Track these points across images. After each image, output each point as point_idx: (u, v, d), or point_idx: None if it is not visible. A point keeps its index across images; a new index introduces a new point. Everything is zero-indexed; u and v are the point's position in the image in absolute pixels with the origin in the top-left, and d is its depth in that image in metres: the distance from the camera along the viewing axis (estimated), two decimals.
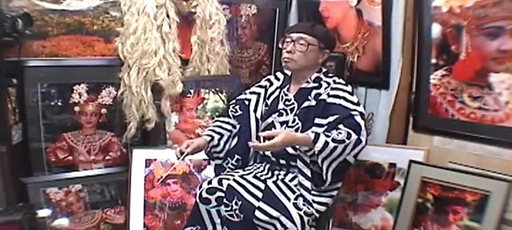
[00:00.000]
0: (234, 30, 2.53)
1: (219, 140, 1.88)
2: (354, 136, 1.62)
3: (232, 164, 1.91)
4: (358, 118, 1.69)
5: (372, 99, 2.25)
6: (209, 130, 1.90)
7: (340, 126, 1.65)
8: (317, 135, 1.59)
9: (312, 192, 1.70)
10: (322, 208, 1.71)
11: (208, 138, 1.86)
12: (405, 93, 2.12)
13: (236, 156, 1.90)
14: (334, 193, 1.75)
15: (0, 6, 1.92)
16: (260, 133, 1.67)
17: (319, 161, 1.61)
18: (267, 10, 2.60)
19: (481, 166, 1.80)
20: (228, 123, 1.93)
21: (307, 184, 1.71)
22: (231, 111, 1.97)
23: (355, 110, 1.71)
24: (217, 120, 1.96)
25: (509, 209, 1.67)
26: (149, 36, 2.10)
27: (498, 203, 1.67)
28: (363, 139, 1.66)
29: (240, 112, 1.95)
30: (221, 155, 1.91)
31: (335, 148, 1.59)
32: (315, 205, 1.69)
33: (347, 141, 1.60)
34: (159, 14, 2.12)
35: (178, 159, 1.75)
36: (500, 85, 1.72)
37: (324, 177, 1.64)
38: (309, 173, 1.70)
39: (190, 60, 2.28)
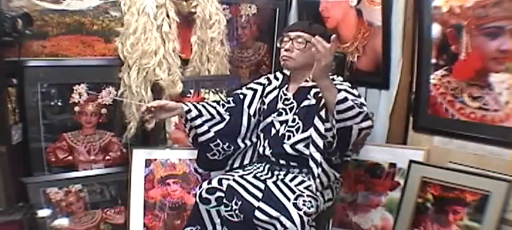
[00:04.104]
0: (234, 30, 2.53)
1: (198, 116, 1.86)
2: (365, 109, 1.57)
3: (222, 148, 1.89)
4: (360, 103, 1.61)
5: (372, 99, 2.25)
6: (191, 104, 1.90)
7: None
8: (339, 90, 1.54)
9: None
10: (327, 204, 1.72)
11: (186, 107, 1.85)
12: (405, 93, 2.12)
13: (227, 143, 1.89)
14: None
15: (0, 6, 1.92)
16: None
17: (335, 115, 1.54)
18: (267, 10, 2.60)
19: (481, 166, 1.80)
20: (214, 107, 1.92)
21: (312, 184, 1.69)
22: (223, 101, 1.96)
23: (357, 99, 1.64)
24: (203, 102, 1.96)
25: (509, 209, 1.68)
26: (149, 36, 2.10)
27: (498, 203, 1.67)
28: (371, 120, 1.60)
29: (233, 104, 1.94)
30: (201, 130, 1.87)
31: (352, 107, 1.52)
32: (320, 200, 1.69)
33: (362, 108, 1.55)
34: (159, 14, 2.12)
35: (143, 113, 1.84)
36: (500, 85, 1.72)
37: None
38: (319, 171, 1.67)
39: (190, 60, 2.28)
